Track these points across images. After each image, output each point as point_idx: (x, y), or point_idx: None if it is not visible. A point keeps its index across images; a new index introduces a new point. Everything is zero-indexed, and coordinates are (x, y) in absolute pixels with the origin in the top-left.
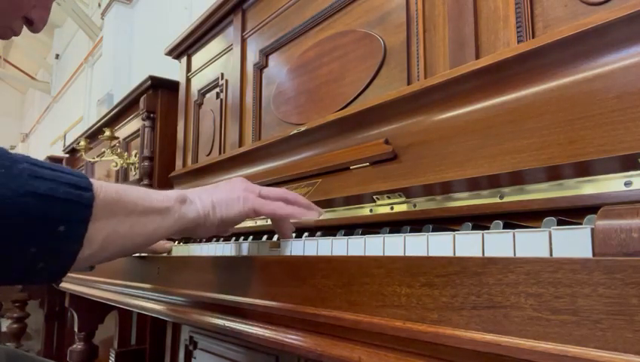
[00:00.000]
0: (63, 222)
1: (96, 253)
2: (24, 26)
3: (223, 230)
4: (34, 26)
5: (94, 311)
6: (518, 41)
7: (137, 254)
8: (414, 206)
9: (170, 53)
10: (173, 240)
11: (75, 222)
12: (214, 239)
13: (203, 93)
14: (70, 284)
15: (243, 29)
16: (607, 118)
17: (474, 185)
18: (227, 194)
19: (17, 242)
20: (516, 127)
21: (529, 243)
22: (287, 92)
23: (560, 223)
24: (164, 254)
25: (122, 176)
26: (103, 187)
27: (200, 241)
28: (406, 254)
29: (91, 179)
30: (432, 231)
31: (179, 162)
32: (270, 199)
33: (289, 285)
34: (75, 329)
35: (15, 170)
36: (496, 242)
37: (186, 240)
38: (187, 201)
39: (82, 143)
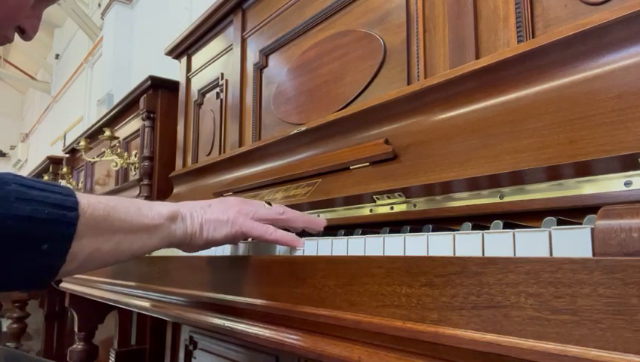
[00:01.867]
0: (46, 241)
1: (80, 266)
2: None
3: (211, 248)
4: (26, 34)
5: (94, 311)
6: (518, 41)
7: None
8: (414, 206)
9: (170, 53)
10: None
11: (58, 241)
12: None
13: (203, 93)
14: (70, 284)
15: (243, 29)
16: (607, 118)
17: (474, 185)
18: (218, 215)
19: (3, 260)
20: (516, 127)
21: (529, 243)
22: (287, 92)
23: (560, 223)
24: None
25: (122, 176)
26: (91, 205)
27: None
28: (406, 254)
29: (80, 197)
30: (432, 231)
31: (179, 162)
32: (264, 221)
33: (289, 285)
34: (75, 329)
35: (2, 192)
36: (496, 242)
37: None
38: (178, 219)
39: (82, 143)
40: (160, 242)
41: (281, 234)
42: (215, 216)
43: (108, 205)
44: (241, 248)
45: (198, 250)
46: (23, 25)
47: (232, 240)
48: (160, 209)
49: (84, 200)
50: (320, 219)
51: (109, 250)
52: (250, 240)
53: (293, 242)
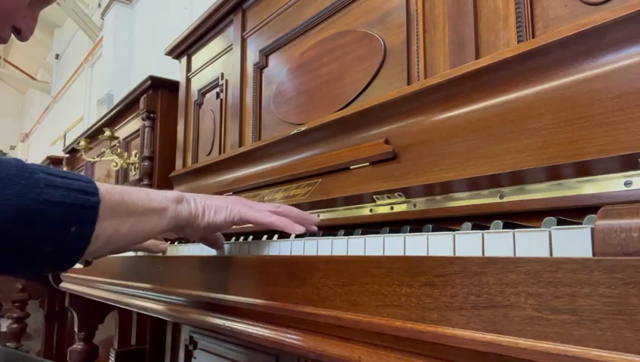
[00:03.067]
0: (74, 224)
1: (101, 248)
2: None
3: (210, 233)
4: (21, 35)
5: (94, 311)
6: (518, 41)
7: (137, 254)
8: (414, 206)
9: (170, 53)
10: (169, 240)
11: (84, 224)
12: None
13: (203, 93)
14: (70, 284)
15: (243, 29)
16: (607, 118)
17: (474, 184)
18: (219, 202)
19: (37, 242)
20: (516, 127)
21: (529, 243)
22: (287, 92)
23: (560, 223)
24: (160, 254)
25: (122, 176)
26: (108, 190)
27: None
28: (406, 254)
29: (97, 183)
30: (432, 231)
31: (179, 162)
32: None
33: (289, 285)
34: (75, 329)
35: (33, 180)
36: (496, 242)
37: (186, 240)
38: (183, 201)
39: (82, 143)
40: (169, 223)
41: (276, 218)
42: (216, 202)
43: (122, 191)
44: (240, 248)
45: (200, 234)
46: (18, 25)
47: (231, 223)
48: (167, 193)
49: (102, 186)
50: (313, 216)
51: (126, 232)
52: (249, 239)
53: (288, 226)
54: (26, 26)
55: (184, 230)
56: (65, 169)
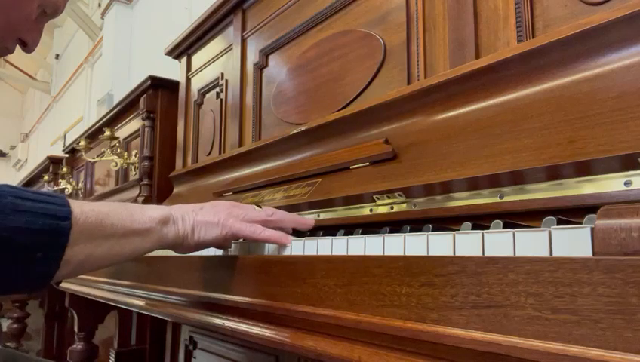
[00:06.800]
0: (41, 250)
1: (73, 271)
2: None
3: (201, 250)
4: (27, 47)
5: (94, 311)
6: (518, 41)
7: None
8: (414, 206)
9: (170, 53)
10: None
11: (51, 249)
12: None
13: (203, 93)
14: (70, 284)
15: (243, 28)
16: (607, 117)
17: (474, 184)
18: (209, 217)
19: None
20: (516, 126)
21: (529, 243)
22: (287, 92)
23: (560, 223)
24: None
25: (122, 176)
26: (84, 212)
27: None
28: (406, 254)
29: (74, 206)
30: (432, 230)
31: (179, 162)
32: (254, 223)
33: (289, 285)
34: (75, 329)
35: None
36: (496, 242)
37: None
38: (170, 222)
39: (82, 143)
40: (152, 245)
41: (269, 233)
42: (206, 218)
43: (101, 212)
44: (240, 248)
45: (190, 252)
46: (24, 38)
47: (223, 241)
48: (152, 213)
49: (77, 208)
50: (308, 218)
51: (101, 255)
52: (241, 240)
53: (281, 239)
54: (31, 39)
55: (174, 249)
56: (65, 169)
